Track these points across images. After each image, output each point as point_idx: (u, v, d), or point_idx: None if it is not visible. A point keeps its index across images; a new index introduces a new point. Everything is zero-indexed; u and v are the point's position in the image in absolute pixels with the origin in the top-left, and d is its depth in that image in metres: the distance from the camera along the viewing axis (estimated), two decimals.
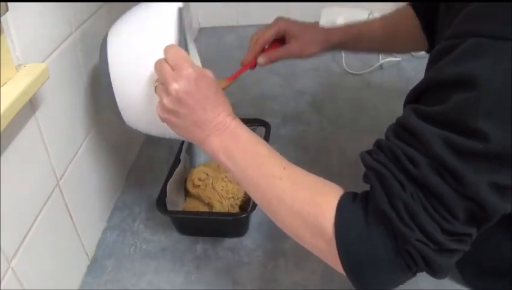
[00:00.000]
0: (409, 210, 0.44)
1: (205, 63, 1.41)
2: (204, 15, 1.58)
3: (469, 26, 0.43)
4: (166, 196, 0.79)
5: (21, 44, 0.57)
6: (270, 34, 0.82)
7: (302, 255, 0.77)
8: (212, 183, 0.83)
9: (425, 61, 0.50)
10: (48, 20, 0.64)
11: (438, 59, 0.46)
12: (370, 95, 1.06)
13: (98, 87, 0.67)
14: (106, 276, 0.77)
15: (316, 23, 0.85)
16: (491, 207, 0.43)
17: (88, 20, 0.76)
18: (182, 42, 0.60)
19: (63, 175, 0.69)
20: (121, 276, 0.76)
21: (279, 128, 1.06)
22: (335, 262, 0.49)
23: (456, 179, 0.43)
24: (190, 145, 0.92)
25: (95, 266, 0.78)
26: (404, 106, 0.50)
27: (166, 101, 0.56)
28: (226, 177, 0.84)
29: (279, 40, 0.83)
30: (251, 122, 0.92)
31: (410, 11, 0.83)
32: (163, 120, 0.59)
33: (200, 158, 0.95)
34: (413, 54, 1.27)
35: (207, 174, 0.85)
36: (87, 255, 0.78)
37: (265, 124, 0.95)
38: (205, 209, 0.83)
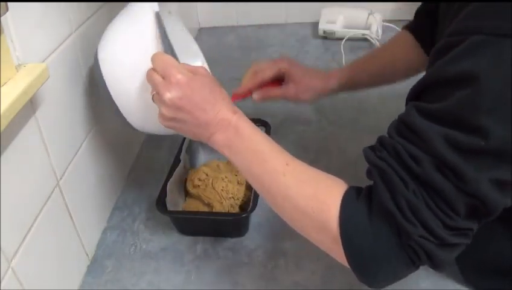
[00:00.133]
0: (412, 207, 0.45)
1: None
2: (204, 15, 1.58)
3: (470, 23, 0.44)
4: (166, 196, 0.79)
5: (21, 44, 0.57)
6: (270, 74, 0.81)
7: (302, 255, 0.77)
8: (212, 184, 0.83)
9: None
10: (48, 20, 0.64)
11: (439, 56, 0.46)
12: (370, 95, 1.06)
13: (98, 87, 0.67)
14: (106, 276, 0.77)
15: (317, 70, 0.85)
16: (493, 203, 0.44)
17: (88, 20, 0.76)
18: (167, 46, 0.59)
19: (63, 175, 0.69)
20: (121, 276, 0.76)
21: (279, 128, 1.06)
22: (341, 257, 0.50)
23: (457, 176, 0.43)
24: (190, 145, 0.92)
25: (95, 266, 0.78)
26: (406, 102, 0.50)
27: (164, 110, 0.57)
28: (226, 177, 0.84)
29: (277, 79, 0.83)
30: None
31: (406, 35, 0.84)
32: (167, 127, 0.60)
33: (200, 158, 0.95)
34: None
35: (207, 175, 0.85)
36: (87, 255, 0.78)
37: (265, 124, 0.95)
38: (205, 209, 0.83)
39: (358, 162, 0.96)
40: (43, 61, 0.63)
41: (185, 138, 0.90)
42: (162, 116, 0.58)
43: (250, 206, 0.77)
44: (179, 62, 0.58)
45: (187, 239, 0.82)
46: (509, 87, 0.40)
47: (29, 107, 0.60)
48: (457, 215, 0.45)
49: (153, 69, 0.58)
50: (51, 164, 0.66)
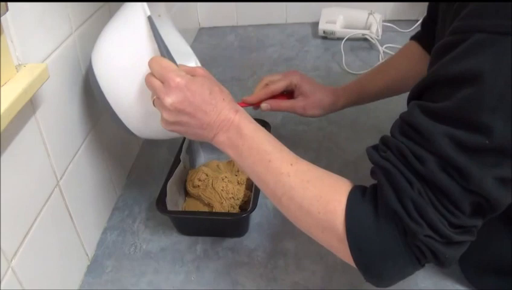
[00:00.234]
0: (418, 207, 0.45)
1: (205, 63, 1.41)
2: (204, 15, 1.58)
3: (472, 21, 0.44)
4: (166, 196, 0.79)
5: (21, 44, 0.57)
6: (281, 86, 0.83)
7: (302, 255, 0.77)
8: (212, 184, 0.83)
9: None
10: (48, 20, 0.64)
11: (441, 55, 0.46)
12: None
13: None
14: (106, 276, 0.77)
15: (327, 87, 0.86)
16: (497, 200, 0.44)
17: (88, 20, 0.76)
18: (163, 48, 0.59)
19: (63, 175, 0.69)
20: (121, 276, 0.76)
21: (279, 129, 1.06)
22: (346, 256, 0.50)
23: (462, 175, 0.43)
24: (190, 146, 0.92)
25: (95, 266, 0.78)
26: (408, 101, 0.50)
27: (166, 115, 0.57)
28: (226, 177, 0.84)
29: (287, 92, 0.85)
30: None
31: (413, 46, 0.85)
32: (170, 131, 0.60)
33: (200, 158, 0.95)
34: None
35: (207, 175, 0.85)
36: (87, 255, 0.78)
37: (265, 124, 0.95)
38: (205, 209, 0.83)
39: (358, 162, 0.97)
40: (43, 61, 0.63)
41: (185, 138, 0.90)
42: (164, 120, 0.58)
43: (250, 206, 0.77)
44: (176, 64, 0.58)
45: (187, 239, 0.82)
46: None
47: (29, 107, 0.60)
48: (462, 214, 0.45)
49: (151, 74, 0.58)
50: (51, 164, 0.66)
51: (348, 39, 1.39)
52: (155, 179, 0.92)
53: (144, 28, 0.61)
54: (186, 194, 0.88)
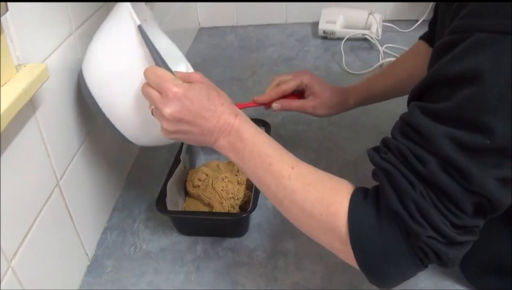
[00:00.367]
0: (420, 208, 0.45)
1: (205, 63, 1.41)
2: (204, 15, 1.58)
3: (472, 21, 0.43)
4: (166, 196, 0.79)
5: (21, 44, 0.57)
6: (291, 86, 0.84)
7: (302, 255, 0.77)
8: (212, 184, 0.83)
9: None
10: (48, 20, 0.64)
11: (441, 55, 0.46)
12: None
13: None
14: (106, 276, 0.77)
15: (336, 86, 0.87)
16: (499, 200, 0.44)
17: (88, 20, 0.76)
18: (157, 57, 0.59)
19: (63, 175, 0.69)
20: (121, 276, 0.76)
21: (279, 129, 1.06)
22: (350, 259, 0.50)
23: (463, 175, 0.43)
24: (190, 146, 0.92)
25: (95, 266, 0.78)
26: (409, 102, 0.50)
27: (166, 125, 0.57)
28: (225, 177, 0.84)
29: (298, 92, 0.86)
30: None
31: (421, 45, 0.85)
32: (171, 139, 0.60)
33: (200, 159, 0.95)
34: None
35: (207, 175, 0.85)
36: (87, 255, 0.78)
37: (265, 124, 0.95)
38: (205, 209, 0.83)
39: (358, 162, 0.97)
40: (43, 61, 0.63)
41: None
42: (164, 130, 0.58)
43: (250, 206, 0.77)
44: (171, 71, 0.58)
45: (187, 239, 0.82)
46: None
47: (29, 107, 0.60)
48: (464, 214, 0.45)
49: (148, 84, 0.58)
50: (51, 164, 0.66)
51: (348, 39, 1.39)
52: (155, 179, 0.92)
53: (135, 37, 0.60)
54: (186, 194, 0.88)
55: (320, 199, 0.51)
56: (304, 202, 0.52)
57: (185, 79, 0.58)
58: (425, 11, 1.43)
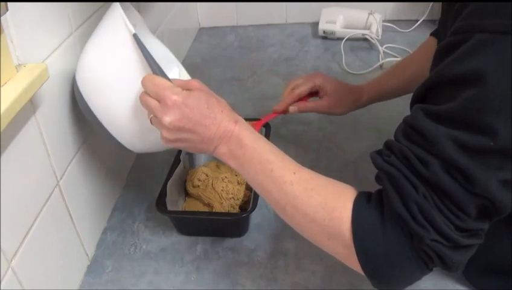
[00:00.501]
0: (423, 211, 0.45)
1: (205, 63, 1.41)
2: (204, 15, 1.58)
3: (473, 21, 0.43)
4: (166, 196, 0.79)
5: (21, 44, 0.57)
6: (305, 89, 0.87)
7: (302, 255, 0.77)
8: (212, 184, 0.83)
9: None
10: (48, 20, 0.64)
11: (443, 56, 0.46)
12: None
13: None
14: (106, 276, 0.77)
15: (350, 85, 0.90)
16: (502, 203, 0.44)
17: (88, 20, 0.76)
18: (154, 65, 0.58)
19: (63, 175, 0.69)
20: (121, 276, 0.76)
21: (279, 128, 1.06)
22: (354, 264, 0.50)
23: (466, 178, 0.43)
24: None
25: (95, 266, 0.78)
26: (411, 104, 0.50)
27: (165, 133, 0.57)
28: (225, 177, 0.84)
29: (312, 92, 0.89)
30: (251, 123, 0.93)
31: (431, 41, 0.86)
32: (171, 147, 0.60)
33: (200, 159, 0.95)
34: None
35: (207, 175, 0.85)
36: (87, 255, 0.78)
37: (265, 125, 0.95)
38: (205, 209, 0.83)
39: (358, 162, 0.97)
40: (43, 61, 0.63)
41: None
42: (164, 139, 0.58)
43: (250, 206, 0.77)
44: (169, 79, 0.58)
45: (187, 239, 0.82)
46: None
47: (29, 107, 0.60)
48: (468, 217, 0.45)
49: (146, 93, 0.57)
50: (51, 164, 0.66)
51: (348, 39, 1.39)
52: (155, 179, 0.91)
53: (130, 46, 0.59)
54: (186, 194, 0.88)
55: (323, 204, 0.51)
56: (306, 208, 0.52)
57: (184, 87, 0.57)
58: (425, 11, 1.43)
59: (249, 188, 0.85)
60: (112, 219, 0.87)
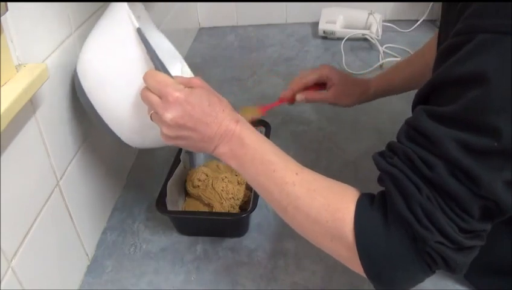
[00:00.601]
0: (427, 213, 0.45)
1: (205, 63, 1.41)
2: (204, 15, 1.58)
3: (475, 22, 0.43)
4: (166, 196, 0.79)
5: (21, 44, 0.57)
6: (312, 78, 0.88)
7: (302, 256, 0.77)
8: (212, 184, 0.83)
9: None
10: (47, 20, 0.64)
11: (446, 57, 0.46)
12: None
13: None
14: (106, 276, 0.77)
15: (357, 77, 0.92)
16: (507, 204, 0.44)
17: (88, 20, 0.76)
18: (156, 61, 0.58)
19: (63, 175, 0.69)
20: (121, 276, 0.76)
21: (279, 129, 1.06)
22: (356, 266, 0.49)
23: (470, 179, 0.43)
24: None
25: (95, 266, 0.78)
26: (414, 105, 0.50)
27: (166, 130, 0.56)
28: (225, 177, 0.84)
29: (320, 84, 0.90)
30: (251, 123, 0.93)
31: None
32: (171, 144, 0.59)
33: (200, 159, 0.95)
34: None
35: (207, 175, 0.85)
36: (87, 255, 0.78)
37: (265, 124, 0.95)
38: (205, 209, 0.83)
39: (358, 162, 0.97)
40: (43, 61, 0.63)
41: None
42: (164, 136, 0.57)
43: (250, 206, 0.77)
44: (171, 75, 0.57)
45: (187, 239, 0.82)
46: None
47: (29, 107, 0.60)
48: (472, 218, 0.44)
49: (147, 89, 0.57)
50: (51, 164, 0.66)
51: (348, 39, 1.39)
52: (155, 179, 0.91)
53: (133, 40, 0.59)
54: (186, 194, 0.88)
55: (326, 205, 0.51)
56: (309, 209, 0.51)
57: (186, 84, 0.57)
58: (425, 11, 1.43)
59: (249, 188, 0.85)
60: (112, 218, 0.87)
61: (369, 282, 0.50)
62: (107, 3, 0.82)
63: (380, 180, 0.50)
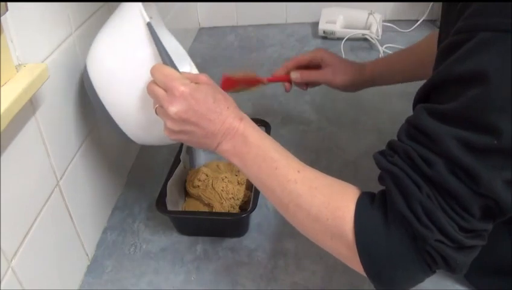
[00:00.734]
0: (427, 211, 0.45)
1: (205, 63, 1.41)
2: (204, 15, 1.58)
3: (476, 20, 0.43)
4: (166, 196, 0.79)
5: (21, 44, 0.57)
6: (306, 57, 0.87)
7: (302, 256, 0.77)
8: (212, 184, 0.83)
9: None
10: (47, 20, 0.64)
11: (446, 55, 0.46)
12: (370, 94, 1.07)
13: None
14: (106, 276, 0.77)
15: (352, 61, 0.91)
16: (507, 203, 0.44)
17: (88, 20, 0.76)
18: (165, 56, 0.58)
19: (63, 175, 0.69)
20: (121, 276, 0.76)
21: (279, 129, 1.06)
22: (356, 265, 0.49)
23: (471, 178, 0.43)
24: (190, 146, 0.91)
25: (95, 266, 0.78)
26: (415, 103, 0.50)
27: (169, 124, 0.57)
28: (225, 177, 0.84)
29: (314, 67, 0.89)
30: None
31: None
32: (173, 139, 0.59)
33: (200, 159, 0.95)
34: None
35: (207, 175, 0.85)
36: (87, 255, 0.78)
37: (265, 124, 0.95)
38: (205, 209, 0.83)
39: (358, 162, 0.97)
40: (43, 61, 0.63)
41: None
42: (168, 129, 0.58)
43: (250, 206, 0.77)
44: (179, 71, 0.58)
45: (187, 239, 0.82)
46: None
47: (29, 107, 0.60)
48: (472, 217, 0.44)
49: (154, 82, 0.57)
50: (51, 164, 0.66)
51: (348, 39, 1.39)
52: (155, 179, 0.91)
53: (143, 34, 0.60)
54: (186, 194, 0.88)
55: (326, 203, 0.51)
56: (310, 207, 0.51)
57: (192, 79, 0.57)
58: (425, 11, 1.43)
59: (249, 188, 0.85)
60: (112, 218, 0.87)
61: (369, 282, 0.50)
62: (107, 3, 0.82)
63: (381, 179, 0.50)
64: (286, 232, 0.81)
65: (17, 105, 0.52)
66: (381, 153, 0.51)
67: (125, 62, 0.62)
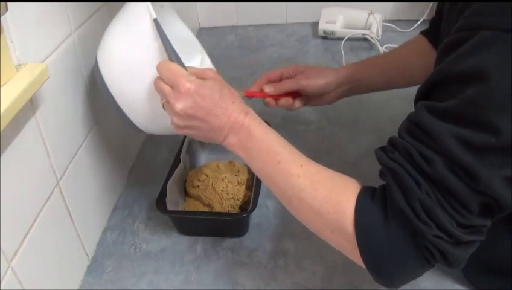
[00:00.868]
0: (425, 207, 0.45)
1: None
2: (204, 15, 1.58)
3: (477, 19, 0.44)
4: (166, 196, 0.79)
5: (21, 44, 0.57)
6: (277, 72, 0.84)
7: (302, 255, 0.77)
8: (212, 184, 0.83)
9: None
10: (47, 20, 0.64)
11: (447, 53, 0.46)
12: (370, 94, 1.07)
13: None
14: (106, 276, 0.77)
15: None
16: (506, 200, 0.44)
17: (88, 20, 0.76)
18: (171, 52, 0.59)
19: (63, 175, 0.69)
20: (121, 276, 0.76)
21: (279, 129, 1.05)
22: (357, 258, 0.50)
23: (469, 175, 0.43)
24: (190, 146, 0.92)
25: (95, 266, 0.78)
26: (415, 101, 0.51)
27: (176, 119, 0.58)
28: (225, 177, 0.84)
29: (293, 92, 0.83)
30: None
31: (421, 39, 0.85)
32: (180, 134, 0.61)
33: (200, 159, 0.95)
34: None
35: (207, 175, 0.85)
36: (87, 255, 0.78)
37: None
38: (205, 209, 0.83)
39: (358, 162, 0.97)
40: (43, 61, 0.63)
41: (185, 138, 0.90)
42: (174, 125, 0.59)
43: (250, 207, 0.77)
44: (184, 66, 0.58)
45: (187, 239, 0.82)
46: None
47: (29, 107, 0.60)
48: (470, 214, 0.45)
49: (160, 79, 0.58)
50: (51, 164, 0.66)
51: (348, 39, 1.39)
52: (155, 179, 0.91)
53: (150, 29, 0.60)
54: (186, 194, 0.88)
55: (328, 197, 0.52)
56: (312, 200, 0.52)
57: (198, 75, 0.59)
58: (425, 11, 1.43)
59: (249, 188, 0.85)
60: (112, 218, 0.87)
61: (369, 282, 0.51)
62: (107, 3, 0.82)
63: (381, 175, 0.50)
64: (286, 232, 0.81)
65: (17, 105, 0.52)
66: (382, 149, 0.51)
67: (133, 56, 0.63)
